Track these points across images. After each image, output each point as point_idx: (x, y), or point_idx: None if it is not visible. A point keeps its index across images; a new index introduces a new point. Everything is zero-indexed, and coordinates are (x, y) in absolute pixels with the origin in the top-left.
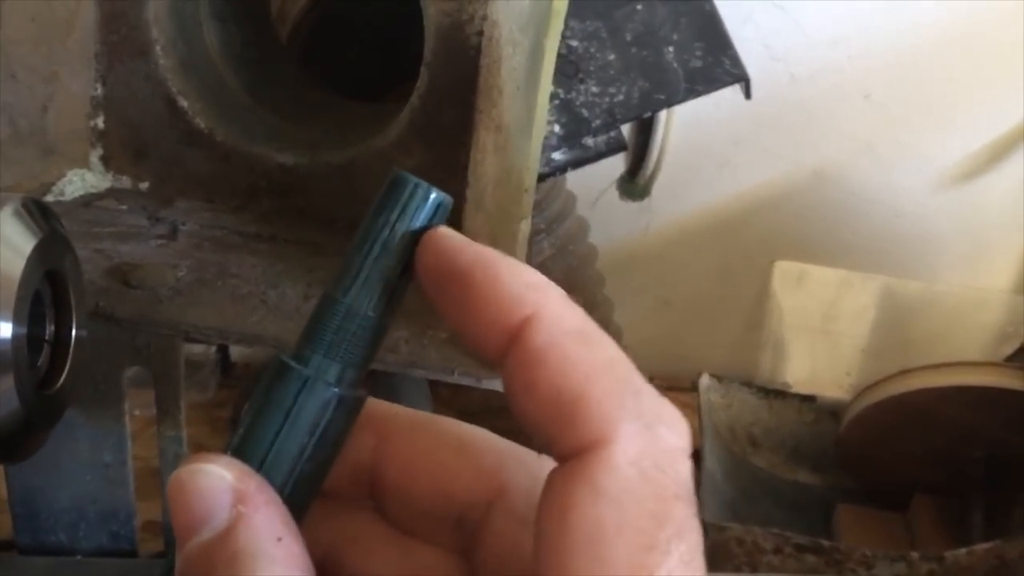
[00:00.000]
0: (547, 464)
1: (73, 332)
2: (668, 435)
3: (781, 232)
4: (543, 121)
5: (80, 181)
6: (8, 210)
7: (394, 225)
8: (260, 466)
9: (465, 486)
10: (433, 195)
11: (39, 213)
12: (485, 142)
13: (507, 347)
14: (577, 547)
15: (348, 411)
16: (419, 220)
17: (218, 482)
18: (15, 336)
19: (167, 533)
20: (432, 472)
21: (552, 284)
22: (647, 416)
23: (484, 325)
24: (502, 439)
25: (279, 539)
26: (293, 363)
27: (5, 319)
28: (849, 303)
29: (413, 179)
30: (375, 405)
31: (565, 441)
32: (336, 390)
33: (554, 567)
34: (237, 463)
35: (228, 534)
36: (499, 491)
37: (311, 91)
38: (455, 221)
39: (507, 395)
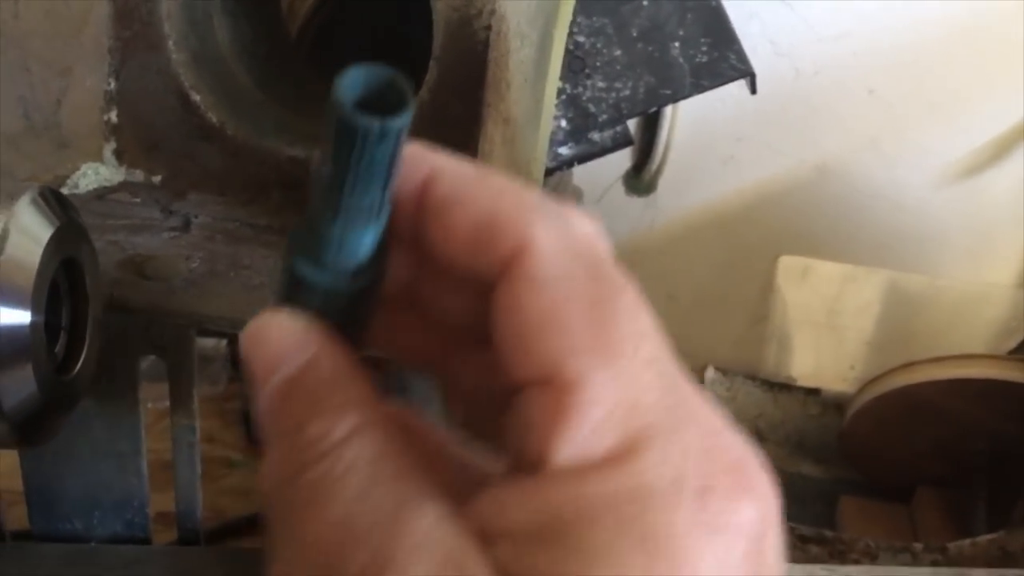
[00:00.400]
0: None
1: (89, 319)
2: (579, 223)
3: (785, 227)
4: (551, 113)
5: (94, 174)
6: (26, 199)
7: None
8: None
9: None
10: (392, 123)
11: (56, 202)
12: (493, 135)
13: (416, 212)
14: (535, 328)
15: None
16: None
17: (292, 325)
18: (33, 323)
19: (179, 520)
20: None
21: (437, 149)
22: (553, 215)
23: (404, 205)
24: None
25: (353, 366)
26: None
27: (24, 307)
28: (853, 297)
29: (371, 123)
30: None
31: (492, 261)
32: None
33: (519, 356)
34: (303, 314)
35: (306, 368)
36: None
37: (320, 86)
38: None
39: (434, 259)
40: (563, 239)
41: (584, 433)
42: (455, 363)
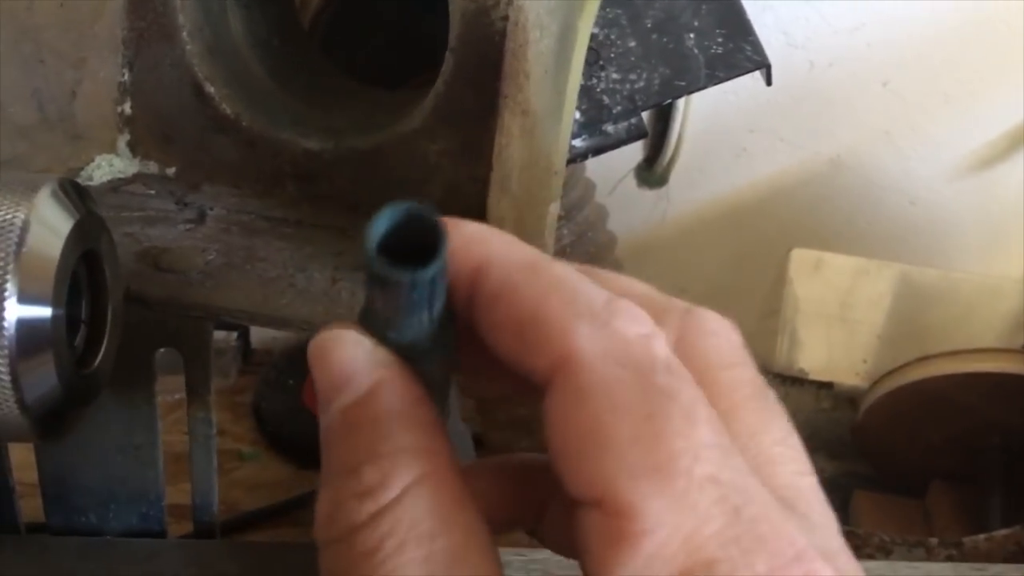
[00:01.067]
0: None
1: (109, 312)
2: (627, 325)
3: (798, 220)
4: (573, 103)
5: (108, 166)
6: (46, 191)
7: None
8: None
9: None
10: (423, 273)
11: (75, 194)
12: (511, 126)
13: (469, 301)
14: (582, 448)
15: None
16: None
17: (359, 347)
18: (54, 316)
19: (195, 513)
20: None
21: (494, 230)
22: (600, 317)
23: (458, 293)
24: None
25: (419, 400)
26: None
27: (44, 300)
28: (866, 291)
29: (402, 276)
30: None
31: (537, 367)
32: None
33: (569, 474)
34: (369, 335)
35: (371, 395)
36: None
37: (334, 78)
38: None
39: (488, 347)
40: (609, 345)
41: (638, 566)
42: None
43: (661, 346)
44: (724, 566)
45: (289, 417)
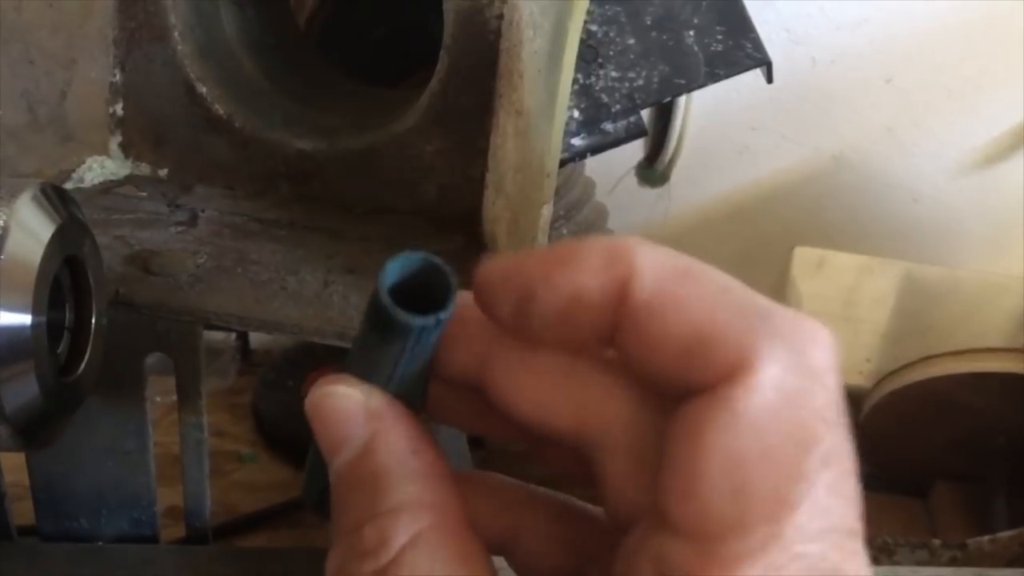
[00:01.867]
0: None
1: (93, 319)
2: (811, 351)
3: (800, 218)
4: (565, 105)
5: (99, 168)
6: (26, 196)
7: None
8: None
9: (567, 421)
10: (440, 317)
11: (57, 199)
12: (505, 126)
13: (615, 318)
14: (714, 474)
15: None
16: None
17: (349, 403)
18: (35, 324)
19: (187, 518)
20: (535, 403)
21: (633, 237)
22: (783, 334)
23: (588, 311)
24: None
25: (415, 451)
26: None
27: (24, 307)
28: (869, 289)
29: (414, 321)
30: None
31: (699, 380)
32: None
33: (685, 496)
34: (362, 383)
35: (367, 451)
36: (606, 429)
37: (329, 77)
38: (476, 207)
39: (628, 364)
40: (788, 373)
41: None
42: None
43: (833, 382)
44: None
45: (288, 418)
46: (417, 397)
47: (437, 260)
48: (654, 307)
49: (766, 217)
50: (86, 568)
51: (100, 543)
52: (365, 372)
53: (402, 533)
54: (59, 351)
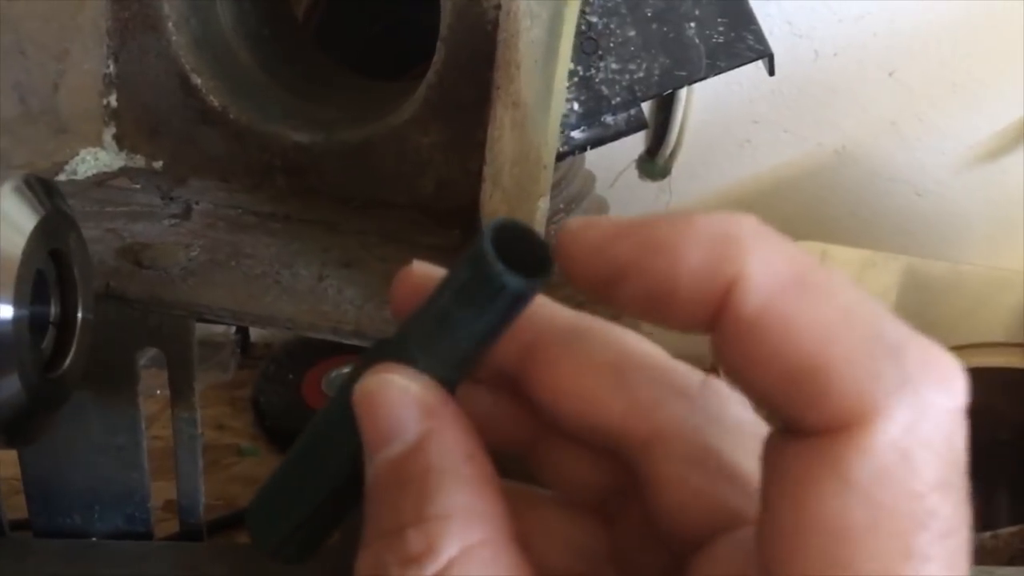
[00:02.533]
0: (713, 398)
1: (79, 313)
2: (939, 398)
3: (802, 212)
4: (562, 96)
5: (93, 160)
6: (8, 187)
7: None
8: (441, 369)
9: (616, 420)
10: (537, 283)
11: (41, 190)
12: (503, 118)
13: (714, 321)
14: (817, 546)
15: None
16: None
17: (405, 395)
18: (16, 318)
19: (180, 514)
20: (579, 397)
21: (748, 222)
22: (913, 378)
23: (681, 309)
24: (667, 362)
25: (470, 456)
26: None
27: (5, 300)
28: (871, 283)
29: (523, 283)
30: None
31: (807, 420)
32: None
33: (788, 561)
34: (420, 375)
35: (419, 449)
36: (656, 432)
37: (327, 69)
38: (474, 201)
39: (723, 370)
40: (909, 433)
41: None
42: (549, 452)
43: (960, 435)
44: None
45: (288, 412)
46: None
47: (530, 227)
48: (761, 326)
49: (767, 211)
50: (79, 564)
51: (93, 539)
52: (428, 353)
53: (452, 543)
54: (43, 346)
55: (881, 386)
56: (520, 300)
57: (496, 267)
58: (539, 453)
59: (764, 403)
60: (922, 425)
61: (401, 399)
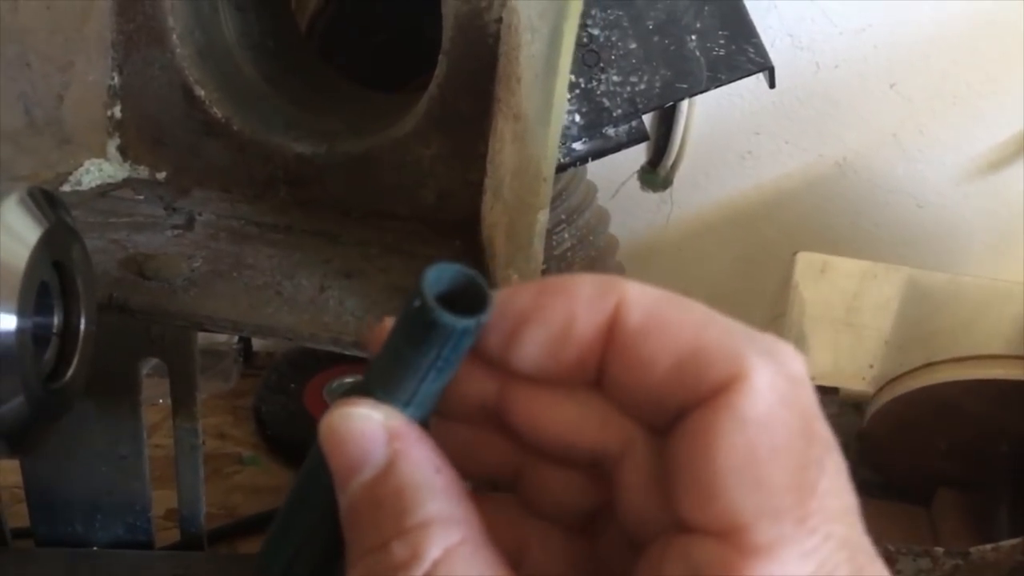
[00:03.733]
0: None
1: (82, 324)
2: (791, 363)
3: (803, 223)
4: (562, 109)
5: (97, 171)
6: (13, 199)
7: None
8: (400, 403)
9: (590, 438)
10: (481, 319)
11: (45, 202)
12: (503, 131)
13: (604, 343)
14: (731, 472)
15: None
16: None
17: (369, 423)
18: (19, 329)
19: (181, 523)
20: (556, 423)
21: (614, 276)
22: (767, 348)
23: (577, 339)
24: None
25: (438, 469)
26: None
27: (9, 311)
28: (872, 294)
29: (458, 322)
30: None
31: (695, 393)
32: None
33: (708, 497)
34: (381, 404)
35: (389, 470)
36: (625, 444)
37: (329, 81)
38: (474, 212)
39: (616, 390)
40: (778, 379)
41: None
42: (534, 477)
43: (812, 391)
44: None
45: (290, 421)
46: (427, 426)
47: (472, 271)
48: (647, 329)
49: (769, 222)
50: (80, 573)
51: (95, 548)
52: (386, 391)
53: (435, 546)
54: (46, 357)
55: (749, 354)
56: (456, 337)
57: (429, 306)
58: (525, 480)
59: (657, 398)
60: (784, 375)
61: (366, 427)
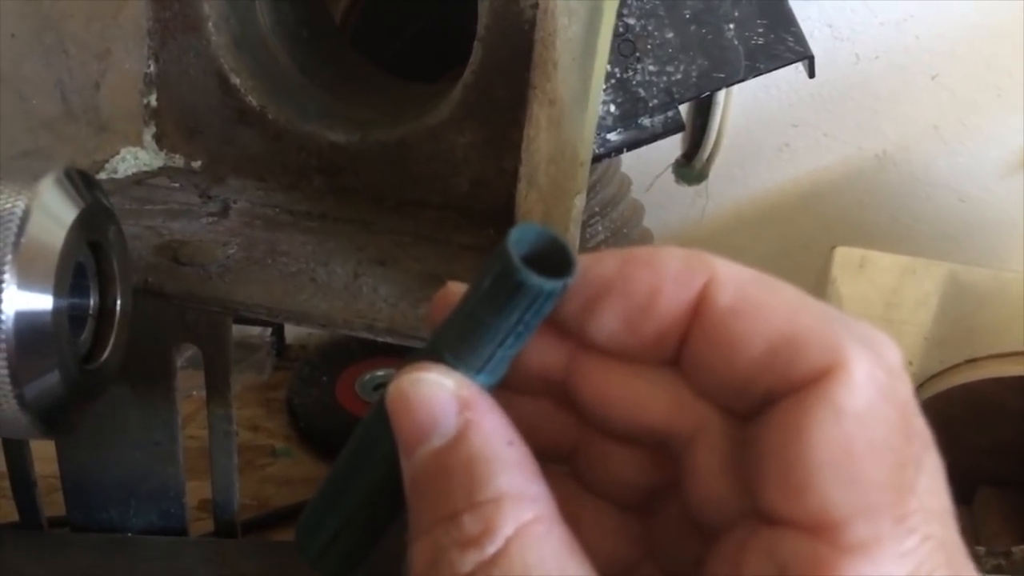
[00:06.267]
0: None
1: (118, 305)
2: (889, 354)
3: (842, 217)
4: (599, 92)
5: (133, 159)
6: (49, 179)
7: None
8: (473, 370)
9: (661, 417)
10: (559, 284)
11: (81, 183)
12: (539, 117)
13: (689, 321)
14: (827, 467)
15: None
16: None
17: (441, 390)
18: (56, 309)
19: (215, 511)
20: (626, 399)
21: (704, 253)
22: (865, 337)
23: (660, 316)
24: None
25: (510, 442)
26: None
27: (46, 291)
28: (912, 290)
29: (545, 284)
30: None
31: (787, 380)
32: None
33: (800, 491)
34: (452, 371)
35: (460, 440)
36: (699, 426)
37: (364, 70)
38: (508, 200)
39: (696, 371)
40: (877, 370)
41: None
42: (593, 453)
43: (909, 383)
44: None
45: (322, 413)
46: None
47: (556, 233)
48: (738, 310)
49: (806, 216)
50: (114, 559)
51: (129, 534)
52: (457, 356)
53: (508, 523)
54: (82, 338)
55: (846, 343)
56: (541, 300)
57: (515, 266)
58: (583, 456)
59: (745, 383)
60: (882, 368)
61: (437, 394)
